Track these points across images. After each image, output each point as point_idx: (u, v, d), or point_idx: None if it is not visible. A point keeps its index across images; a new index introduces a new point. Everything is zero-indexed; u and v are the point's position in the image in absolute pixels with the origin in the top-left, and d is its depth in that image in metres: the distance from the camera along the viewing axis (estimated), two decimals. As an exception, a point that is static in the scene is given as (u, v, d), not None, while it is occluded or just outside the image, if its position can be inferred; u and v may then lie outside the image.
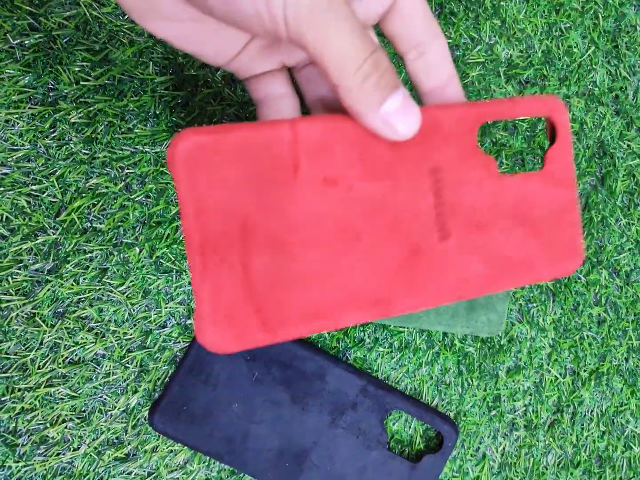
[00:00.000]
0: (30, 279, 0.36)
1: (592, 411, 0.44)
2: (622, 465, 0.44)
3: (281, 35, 0.20)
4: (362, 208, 0.23)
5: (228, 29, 0.25)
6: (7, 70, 0.36)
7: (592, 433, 0.44)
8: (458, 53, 0.42)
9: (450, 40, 0.41)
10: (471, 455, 0.42)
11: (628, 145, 0.44)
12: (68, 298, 0.37)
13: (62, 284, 0.37)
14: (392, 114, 0.21)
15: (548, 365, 0.43)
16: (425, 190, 0.25)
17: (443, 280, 0.26)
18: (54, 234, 0.37)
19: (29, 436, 0.37)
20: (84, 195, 0.37)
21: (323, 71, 0.20)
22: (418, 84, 0.25)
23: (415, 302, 0.24)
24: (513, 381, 0.42)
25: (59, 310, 0.37)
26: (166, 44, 0.38)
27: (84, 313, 0.37)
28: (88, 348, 0.37)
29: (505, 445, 0.42)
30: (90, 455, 0.37)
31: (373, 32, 0.26)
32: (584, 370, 0.43)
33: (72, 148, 0.37)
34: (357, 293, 0.23)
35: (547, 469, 0.43)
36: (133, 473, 0.38)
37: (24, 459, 0.37)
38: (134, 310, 0.38)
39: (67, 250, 0.37)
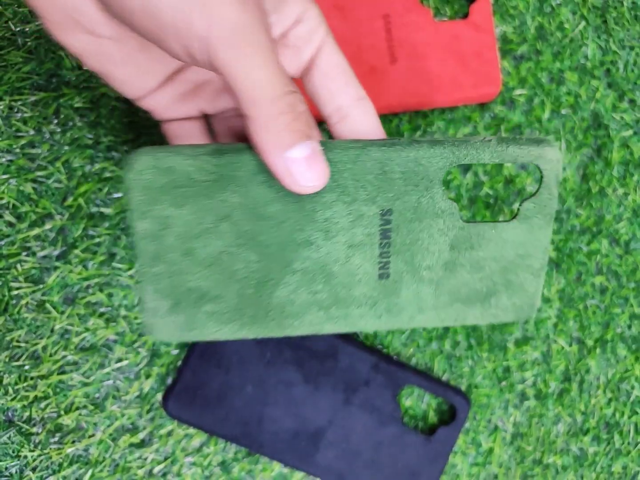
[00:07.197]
0: (38, 265, 0.36)
1: (598, 379, 0.44)
2: (630, 431, 0.45)
3: (195, 53, 0.19)
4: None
5: (150, 56, 0.24)
6: (9, 58, 0.36)
7: (599, 400, 0.44)
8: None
9: (445, 18, 0.41)
10: (483, 427, 0.42)
11: (621, 117, 0.45)
12: (77, 284, 0.37)
13: (71, 270, 0.37)
14: (295, 162, 0.19)
15: (554, 335, 0.43)
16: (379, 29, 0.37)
17: (393, 91, 0.37)
18: (61, 219, 0.37)
19: (43, 424, 0.36)
20: (89, 180, 0.37)
21: (235, 98, 0.19)
22: None
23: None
24: (521, 352, 0.43)
25: (68, 296, 0.37)
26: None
27: (93, 298, 0.37)
28: (99, 334, 0.37)
29: (517, 415, 0.43)
30: (106, 441, 0.37)
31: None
32: (589, 339, 0.44)
33: (76, 133, 0.37)
34: None
35: (557, 438, 0.43)
36: (149, 458, 0.38)
37: (39, 448, 0.36)
38: (144, 294, 0.38)
39: (74, 235, 0.37)
